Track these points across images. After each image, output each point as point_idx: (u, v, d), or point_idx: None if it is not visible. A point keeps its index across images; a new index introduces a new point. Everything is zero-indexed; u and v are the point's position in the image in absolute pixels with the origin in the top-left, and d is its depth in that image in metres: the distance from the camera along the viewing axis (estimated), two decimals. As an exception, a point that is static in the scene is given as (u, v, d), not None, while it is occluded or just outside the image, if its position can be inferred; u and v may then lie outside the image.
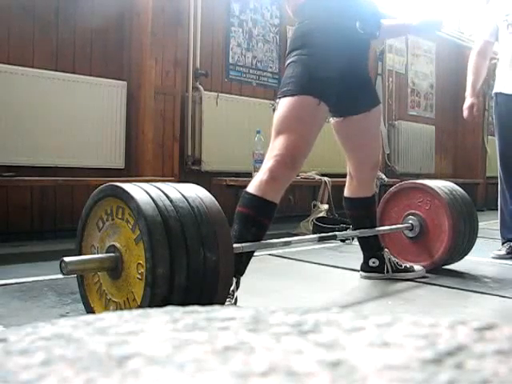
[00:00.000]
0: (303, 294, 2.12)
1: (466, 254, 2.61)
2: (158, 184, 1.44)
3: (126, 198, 1.36)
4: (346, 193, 2.32)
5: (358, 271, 2.45)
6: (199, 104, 4.11)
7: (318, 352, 0.29)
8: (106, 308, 1.46)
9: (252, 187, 1.83)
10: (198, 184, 1.52)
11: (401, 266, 2.39)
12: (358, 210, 2.30)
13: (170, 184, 1.47)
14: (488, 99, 7.11)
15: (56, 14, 3.46)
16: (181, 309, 0.39)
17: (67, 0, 3.50)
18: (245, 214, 1.82)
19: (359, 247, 2.39)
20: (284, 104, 1.88)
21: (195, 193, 1.44)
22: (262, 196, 1.80)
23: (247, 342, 0.30)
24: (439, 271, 2.55)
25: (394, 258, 2.39)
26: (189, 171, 4.06)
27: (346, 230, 3.62)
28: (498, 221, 3.15)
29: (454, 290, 2.19)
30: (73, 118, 3.41)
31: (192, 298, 1.32)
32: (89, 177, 3.35)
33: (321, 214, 4.02)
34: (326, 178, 4.30)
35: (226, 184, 3.82)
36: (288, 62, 1.95)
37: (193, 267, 1.32)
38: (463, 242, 2.52)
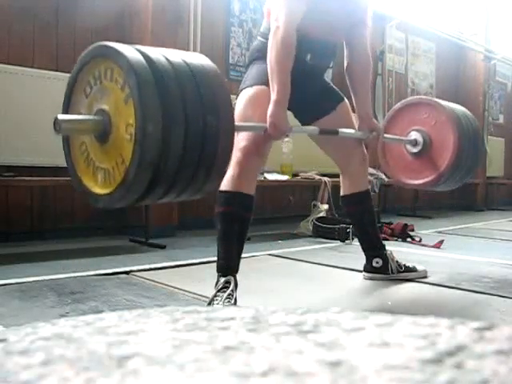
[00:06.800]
0: (303, 293, 2.12)
1: (469, 175, 2.53)
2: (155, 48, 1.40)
3: (115, 55, 1.29)
4: (342, 192, 2.35)
5: (358, 271, 2.45)
6: (199, 104, 4.11)
7: (318, 352, 0.29)
8: (94, 176, 1.42)
9: (225, 185, 1.83)
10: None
11: (402, 267, 2.38)
12: (355, 206, 2.32)
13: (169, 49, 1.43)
14: (488, 99, 7.10)
15: (56, 14, 3.46)
16: (181, 309, 0.39)
17: (67, 0, 3.50)
18: (225, 213, 1.86)
19: (359, 247, 2.39)
20: (241, 96, 1.96)
21: (192, 55, 1.41)
22: (238, 190, 1.83)
23: (247, 342, 0.30)
24: (439, 271, 2.54)
25: (396, 259, 2.39)
26: (189, 171, 4.06)
27: (346, 229, 3.63)
28: None
29: (454, 290, 2.19)
30: (73, 118, 3.41)
31: (187, 169, 1.24)
32: (89, 177, 3.35)
33: (321, 214, 4.01)
34: (325, 178, 4.30)
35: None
36: (250, 67, 2.04)
37: (191, 131, 1.25)
38: (467, 160, 2.42)
